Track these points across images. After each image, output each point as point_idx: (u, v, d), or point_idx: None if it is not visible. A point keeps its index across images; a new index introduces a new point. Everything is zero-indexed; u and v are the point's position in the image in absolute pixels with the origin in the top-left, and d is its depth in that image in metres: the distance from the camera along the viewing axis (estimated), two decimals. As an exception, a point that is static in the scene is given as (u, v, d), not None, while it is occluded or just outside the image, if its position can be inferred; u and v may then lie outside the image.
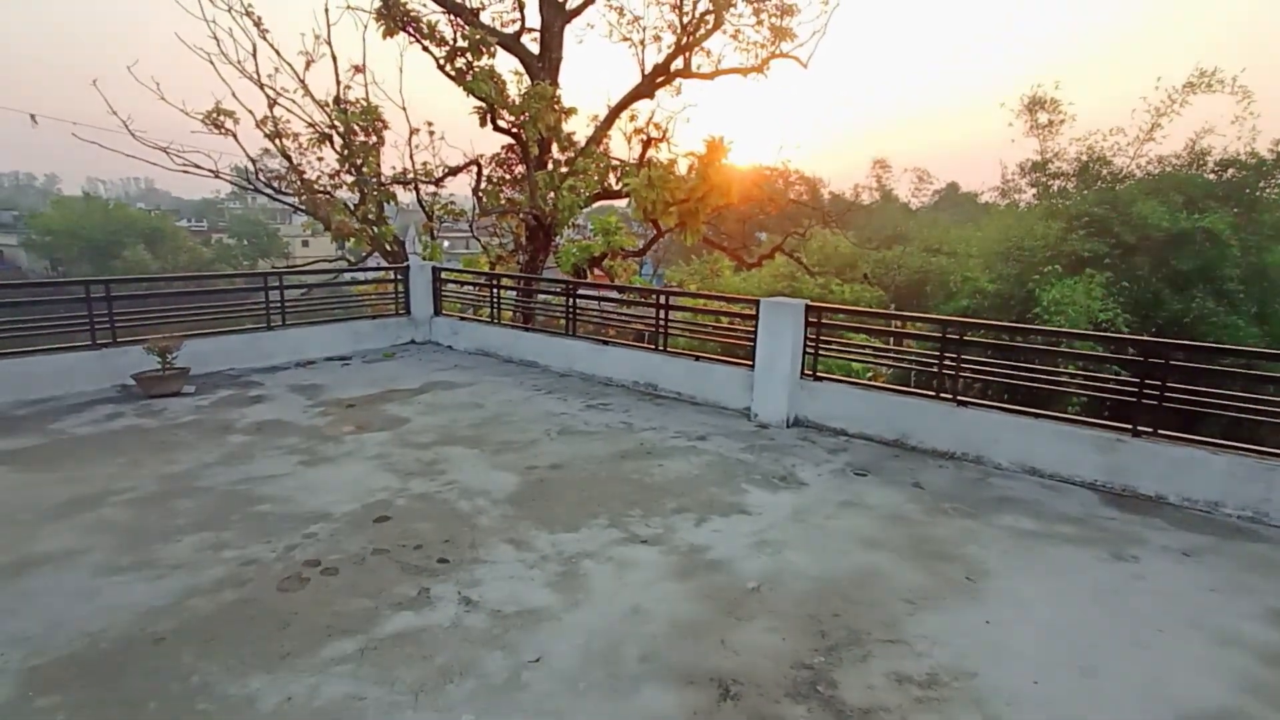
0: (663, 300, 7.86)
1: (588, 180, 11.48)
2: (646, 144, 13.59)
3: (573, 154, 13.40)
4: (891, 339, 7.04)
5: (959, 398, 6.04)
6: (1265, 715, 2.91)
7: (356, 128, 11.74)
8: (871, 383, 6.52)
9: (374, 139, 12.09)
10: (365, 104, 11.91)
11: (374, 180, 12.88)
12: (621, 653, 3.24)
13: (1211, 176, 24.56)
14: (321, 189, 13.18)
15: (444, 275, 10.39)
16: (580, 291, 9.15)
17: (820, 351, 6.81)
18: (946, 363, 6.05)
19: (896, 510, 4.97)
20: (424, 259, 13.05)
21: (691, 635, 3.40)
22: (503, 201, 13.23)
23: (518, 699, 2.92)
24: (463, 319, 10.16)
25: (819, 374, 6.86)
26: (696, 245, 14.88)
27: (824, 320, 6.75)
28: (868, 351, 7.06)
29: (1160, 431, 5.20)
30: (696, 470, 5.65)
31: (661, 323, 7.85)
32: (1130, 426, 5.30)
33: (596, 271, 12.70)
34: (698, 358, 7.71)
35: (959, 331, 5.92)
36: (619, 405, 7.45)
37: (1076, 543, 4.50)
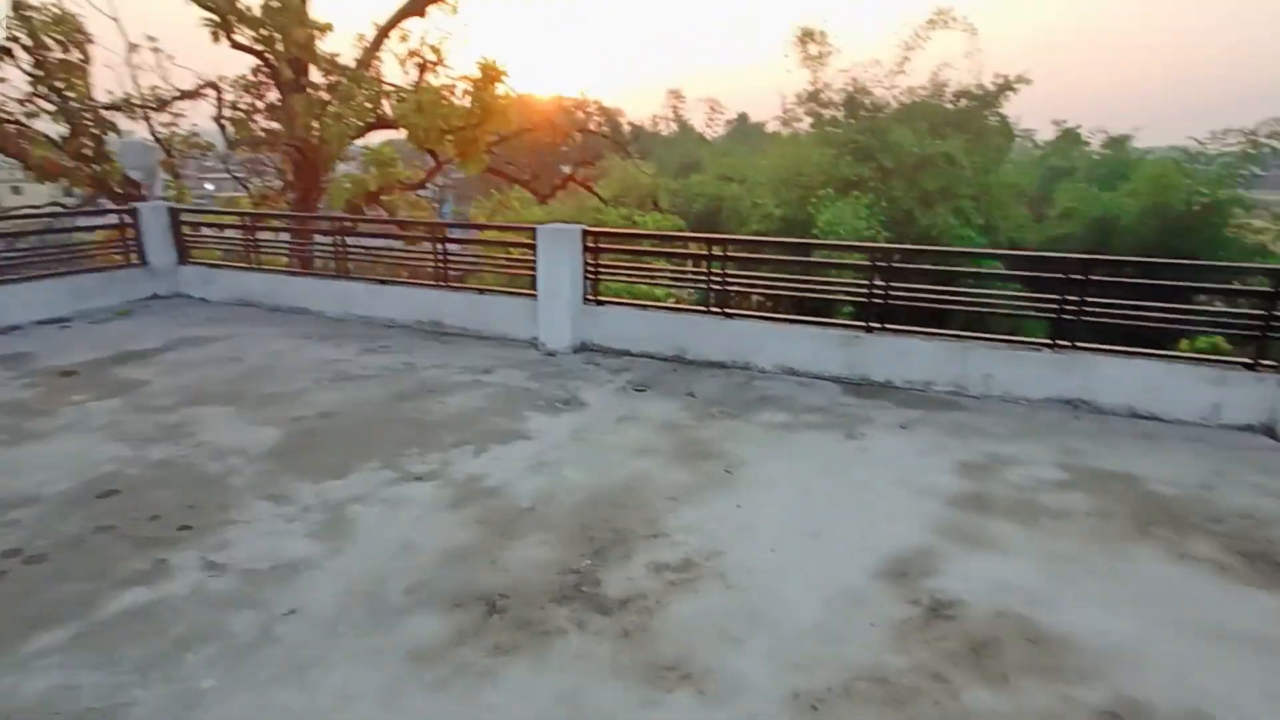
0: (440, 234, 7.52)
1: (357, 107, 10.55)
2: (422, 68, 12.71)
3: (337, 78, 12.25)
4: (690, 261, 7.28)
5: (726, 310, 6.46)
6: (946, 546, 3.51)
7: (49, 40, 9.78)
8: (649, 303, 6.78)
9: (76, 55, 10.17)
10: (58, 11, 9.93)
11: (84, 107, 10.92)
12: (386, 589, 3.18)
13: (949, 106, 27.79)
14: (9, 118, 10.95)
15: (185, 218, 9.15)
16: (356, 229, 8.51)
17: (600, 276, 6.93)
18: (714, 279, 6.41)
19: (670, 419, 5.27)
20: (172, 201, 11.46)
21: (462, 561, 3.41)
22: (257, 132, 11.83)
23: (268, 653, 2.77)
24: (215, 266, 9.09)
25: (601, 298, 6.99)
26: (499, 180, 14.48)
27: (601, 245, 6.85)
28: (645, 273, 7.29)
29: (887, 326, 5.93)
30: (479, 403, 5.59)
31: (440, 257, 7.54)
32: (864, 324, 5.99)
33: (377, 208, 11.87)
34: (481, 291, 7.54)
35: (723, 249, 6.28)
36: (400, 346, 7.13)
37: (819, 428, 5.07)
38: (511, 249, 8.35)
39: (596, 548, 3.51)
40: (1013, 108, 35.01)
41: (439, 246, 7.52)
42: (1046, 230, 29.45)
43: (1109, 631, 2.87)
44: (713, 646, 2.81)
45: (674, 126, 48.53)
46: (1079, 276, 5.26)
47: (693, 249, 7.02)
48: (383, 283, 8.05)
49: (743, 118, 50.20)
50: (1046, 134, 40.28)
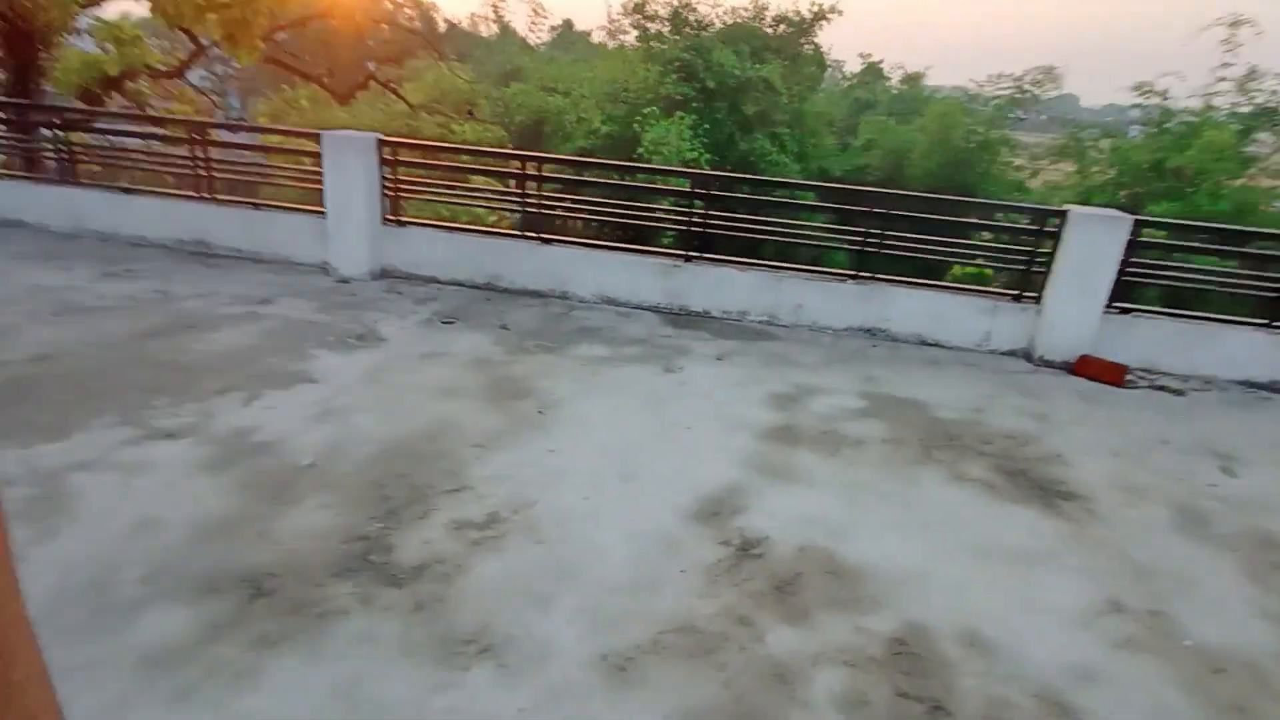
0: (202, 134, 6.30)
1: None
2: None
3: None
4: (511, 181, 6.63)
5: (543, 236, 6.05)
6: (757, 481, 3.52)
7: None
8: (458, 225, 6.20)
9: None
10: None
11: None
12: (117, 579, 2.60)
13: (769, 30, 28.29)
14: None
15: None
16: (93, 124, 6.95)
17: (402, 193, 6.20)
18: (529, 201, 5.95)
19: (480, 354, 4.87)
20: None
21: (220, 536, 2.88)
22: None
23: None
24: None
25: (403, 219, 6.28)
26: (290, 76, 12.47)
27: (401, 158, 6.09)
28: (456, 192, 6.64)
29: (704, 256, 5.86)
30: (254, 340, 4.83)
31: (203, 162, 6.36)
32: (683, 254, 5.87)
33: (120, 97, 9.83)
34: (257, 206, 6.50)
35: (538, 168, 5.81)
36: (154, 271, 6.00)
37: (638, 362, 4.92)
38: (301, 159, 7.27)
39: (390, 508, 3.13)
40: (825, 38, 36.47)
41: (199, 150, 6.32)
42: (851, 159, 31.50)
43: (898, 557, 3.01)
44: (517, 611, 2.58)
45: (495, 29, 45.40)
46: (881, 210, 5.45)
47: (509, 168, 6.47)
48: (127, 191, 6.69)
49: (567, 25, 47.94)
50: (853, 66, 42.44)
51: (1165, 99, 23.07)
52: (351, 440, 3.67)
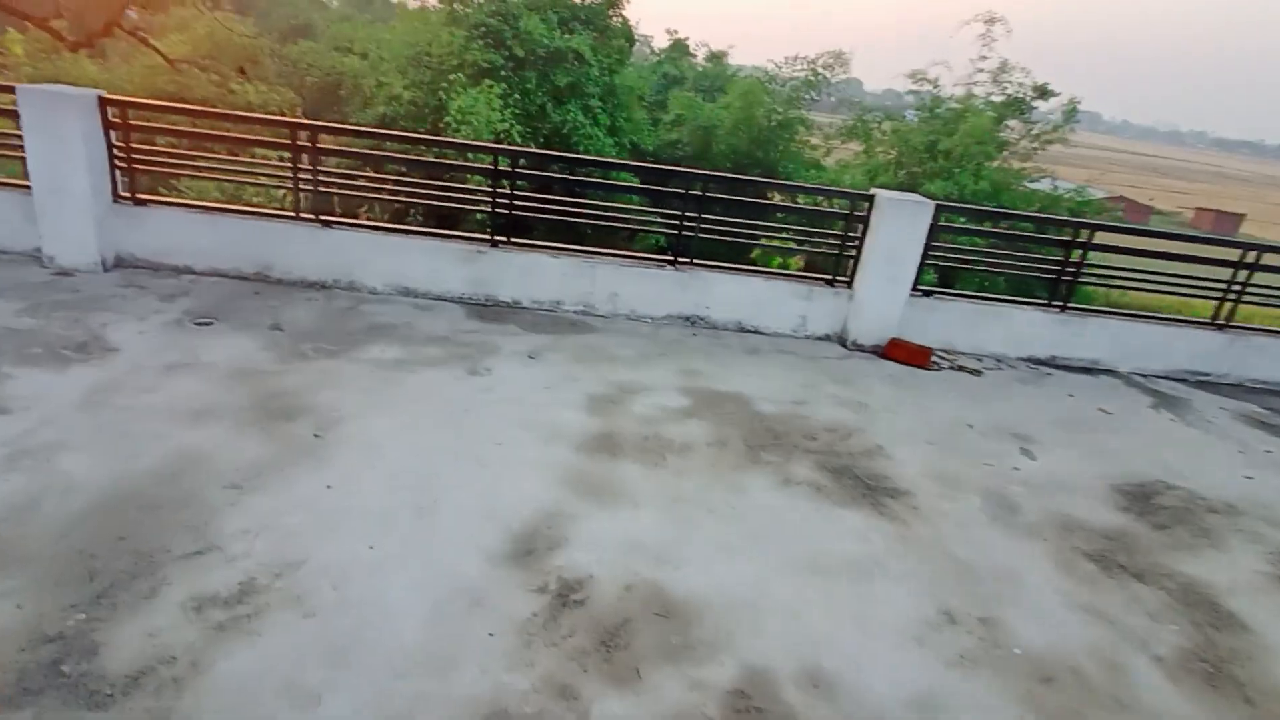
0: None
1: None
2: None
3: None
4: (288, 155, 5.52)
5: (324, 218, 5.23)
6: (575, 504, 3.17)
7: None
8: (216, 204, 5.18)
9: None
10: None
11: None
12: None
13: (577, 1, 27.75)
14: None
15: None
16: None
17: (138, 165, 5.06)
18: (303, 177, 5.09)
19: (244, 363, 4.06)
20: None
21: None
22: None
23: None
24: None
25: (143, 196, 5.15)
26: (13, 21, 9.90)
27: (134, 121, 4.94)
28: (214, 166, 5.52)
29: (513, 240, 5.37)
30: (-84, 358, 3.66)
31: None
32: (488, 238, 5.34)
33: None
34: (-71, 178, 5.03)
35: (313, 138, 4.96)
36: None
37: (439, 364, 4.37)
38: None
39: (99, 588, 2.40)
40: (632, 11, 36.61)
41: None
42: (661, 135, 32.04)
43: (731, 583, 2.80)
44: (275, 718, 2.04)
45: (281, -21, 40.59)
46: (697, 193, 5.27)
47: (281, 137, 5.39)
48: None
49: (362, -21, 44.02)
50: (661, 42, 43.15)
51: (936, 87, 25.66)
52: (51, 492, 2.83)
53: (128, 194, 5.08)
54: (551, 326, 5.19)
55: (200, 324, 4.51)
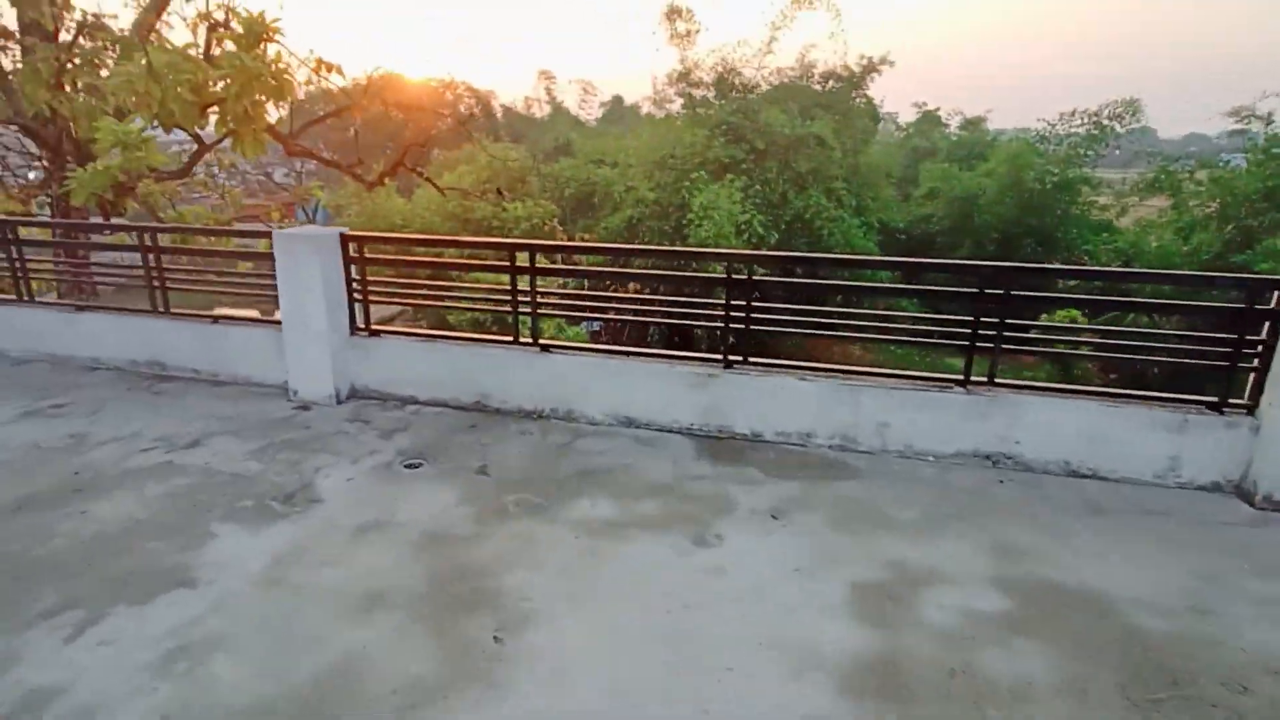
0: (150, 240, 5.32)
1: (130, 77, 7.84)
2: (212, 29, 10.11)
3: (92, 41, 9.63)
4: (521, 277, 5.26)
5: (540, 342, 4.74)
6: (846, 813, 1.97)
7: None
8: (436, 332, 4.97)
9: None
10: None
11: None
12: None
13: (817, 87, 27.35)
14: None
15: None
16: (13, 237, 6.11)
17: (371, 296, 5.02)
18: (521, 300, 4.66)
19: (439, 523, 3.51)
20: None
21: None
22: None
23: None
24: None
25: (375, 327, 5.09)
26: (338, 168, 11.98)
27: (368, 254, 4.93)
28: (430, 292, 5.37)
29: (751, 360, 4.41)
30: (145, 510, 3.60)
31: (154, 269, 5.36)
32: (721, 357, 4.44)
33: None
34: (215, 319, 5.44)
35: (531, 257, 4.53)
36: (87, 404, 4.95)
37: (656, 528, 3.46)
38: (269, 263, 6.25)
39: None
40: (876, 90, 35.41)
41: (151, 258, 5.33)
42: (913, 210, 29.86)
43: None
44: None
45: (547, 109, 46.25)
46: (997, 290, 3.91)
47: (500, 259, 5.03)
48: (79, 308, 5.76)
49: (617, 100, 48.47)
50: (907, 116, 41.21)
51: (1269, 124, 20.85)
52: (194, 712, 2.31)
53: (363, 326, 5.03)
54: (800, 468, 4.07)
55: (410, 466, 4.13)
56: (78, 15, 10.21)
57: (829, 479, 3.96)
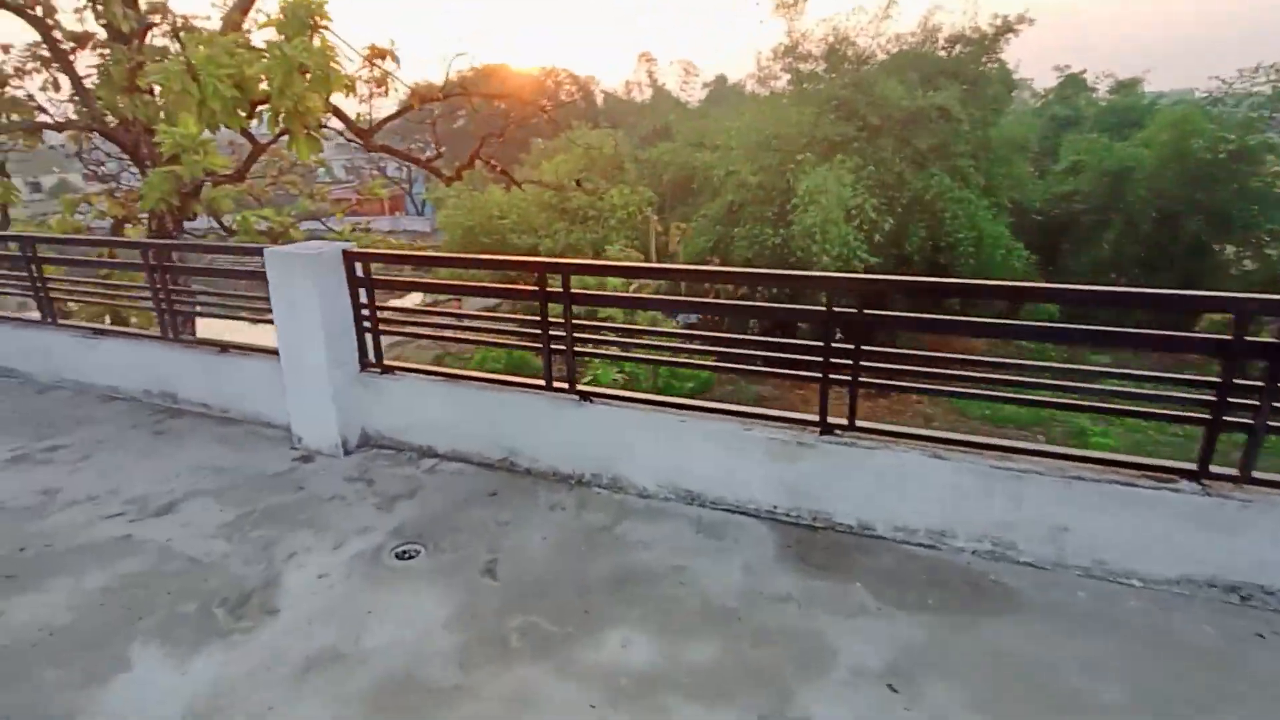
0: (154, 258, 4.68)
1: (166, 74, 7.46)
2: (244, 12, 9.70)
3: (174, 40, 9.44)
4: (552, 305, 4.28)
5: (578, 388, 3.68)
6: None
7: None
8: (455, 371, 4.02)
9: None
10: None
11: None
12: None
13: (942, 53, 24.74)
14: None
15: None
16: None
17: (383, 325, 4.13)
18: (554, 332, 3.62)
19: (415, 658, 2.55)
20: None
21: None
22: (37, 116, 8.95)
23: None
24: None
25: (391, 364, 4.21)
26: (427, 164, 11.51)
27: (375, 277, 4.02)
28: (452, 322, 4.40)
29: (860, 426, 3.17)
30: (69, 615, 2.86)
31: (161, 291, 4.73)
32: (817, 420, 3.22)
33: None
34: (223, 348, 4.75)
35: (564, 279, 3.47)
36: (83, 445, 4.38)
37: (711, 695, 2.33)
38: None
39: None
40: (1011, 53, 31.95)
41: (159, 277, 4.70)
42: (1051, 187, 26.63)
43: None
44: None
45: (648, 93, 45.18)
46: (1257, 340, 2.48)
47: (527, 281, 3.89)
48: (97, 332, 5.25)
49: (720, 80, 46.71)
50: (1045, 81, 37.19)
51: None
52: None
53: (374, 361, 4.16)
54: (931, 588, 2.82)
55: (402, 556, 3.20)
56: (168, 17, 10.01)
57: (975, 612, 2.69)
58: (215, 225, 9.95)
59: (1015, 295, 2.93)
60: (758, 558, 3.07)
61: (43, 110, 9.20)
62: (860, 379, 3.10)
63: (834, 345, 3.09)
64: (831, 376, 3.15)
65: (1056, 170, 27.55)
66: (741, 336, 3.58)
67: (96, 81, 9.29)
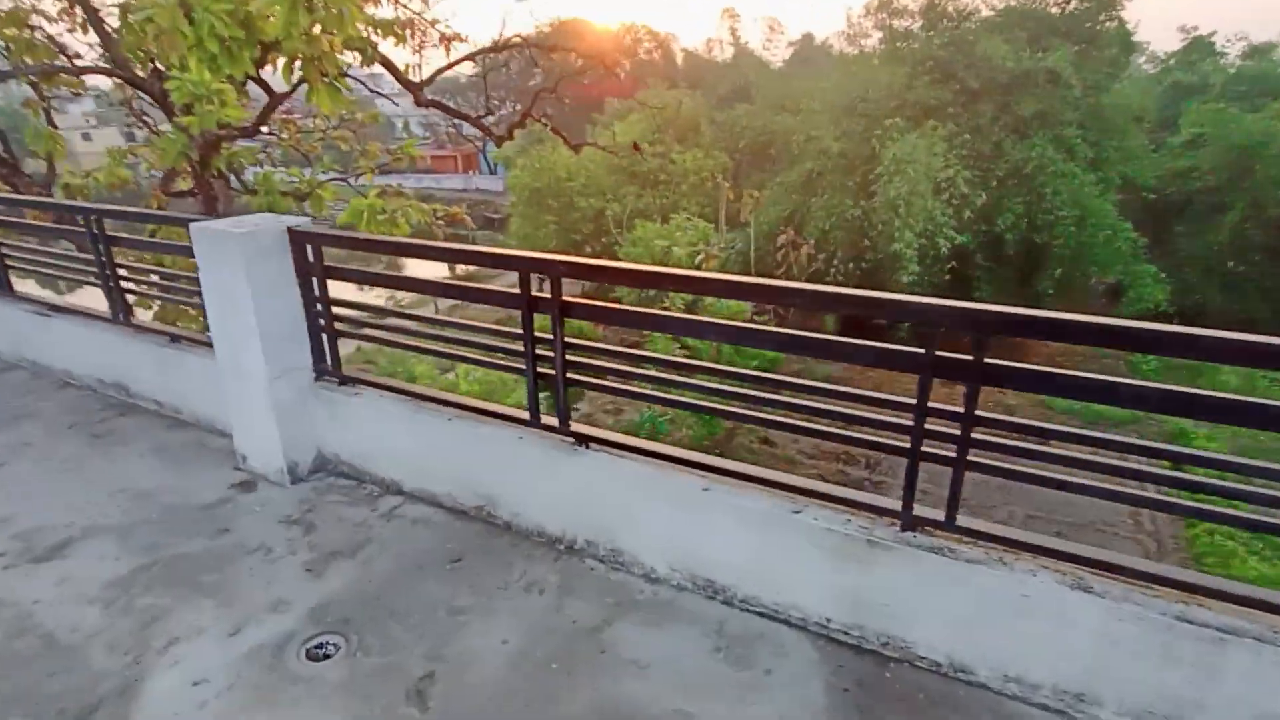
0: (95, 225, 3.93)
1: (152, 10, 6.77)
2: None
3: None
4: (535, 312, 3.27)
5: (573, 428, 2.73)
6: None
7: None
8: (419, 389, 3.12)
9: None
10: None
11: None
12: None
13: (1055, 10, 22.25)
14: None
15: None
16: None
17: (340, 327, 3.27)
18: (539, 352, 2.68)
19: None
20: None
21: None
22: (59, 58, 8.44)
23: None
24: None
25: (352, 375, 3.36)
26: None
27: (328, 264, 3.14)
28: (419, 327, 3.42)
29: (958, 524, 2.11)
30: None
31: (104, 265, 4.00)
32: (898, 508, 2.19)
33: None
34: (173, 338, 4.01)
35: (553, 283, 2.50)
36: (9, 444, 3.74)
37: None
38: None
39: None
40: (1131, 11, 28.77)
41: (101, 249, 3.96)
42: (1165, 162, 23.83)
43: None
44: None
45: (730, 51, 43.05)
46: None
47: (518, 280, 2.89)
48: (52, 309, 4.60)
49: (806, 39, 44.14)
50: (1166, 44, 33.49)
51: None
52: None
53: (331, 368, 3.32)
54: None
55: (314, 655, 2.37)
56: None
57: None
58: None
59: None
60: (799, 706, 2.10)
61: (66, 54, 8.66)
62: (970, 455, 2.05)
63: (930, 406, 2.04)
64: (926, 449, 2.10)
65: (1174, 143, 24.64)
66: (795, 381, 2.52)
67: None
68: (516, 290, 2.62)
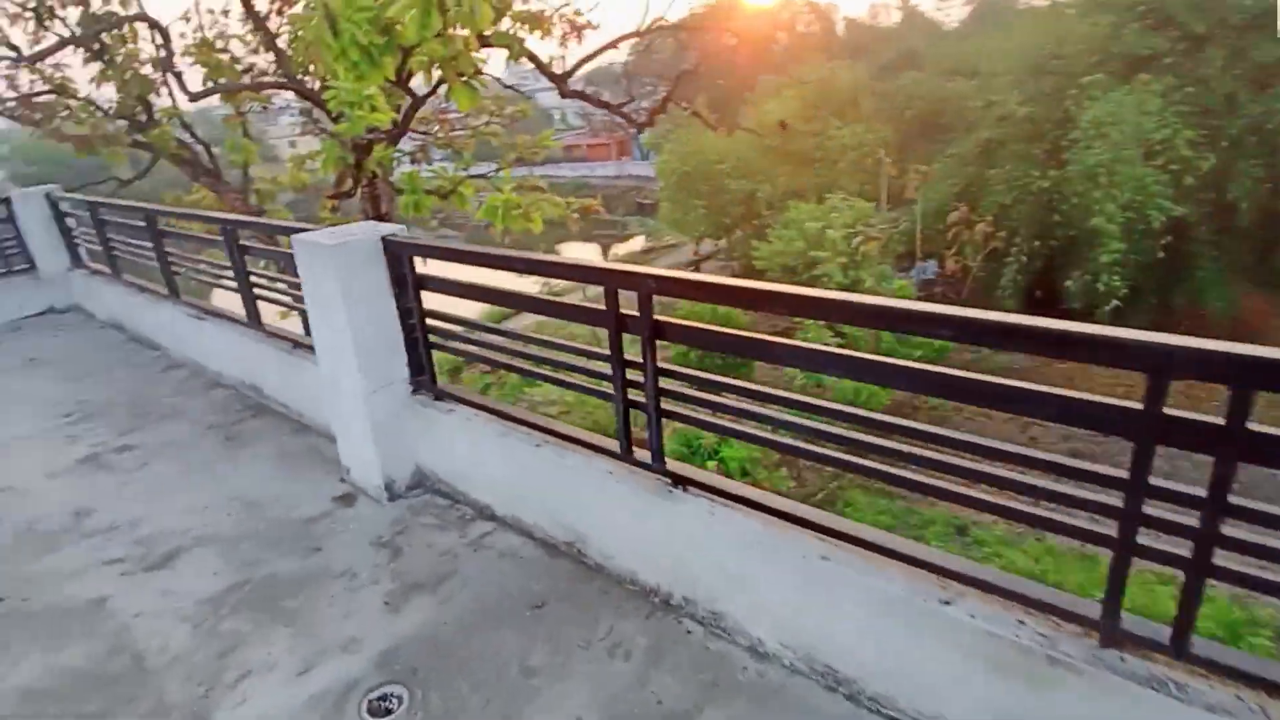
0: (233, 234, 4.04)
1: (304, 23, 7.18)
2: None
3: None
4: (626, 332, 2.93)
5: (669, 469, 2.30)
6: None
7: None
8: (509, 409, 2.81)
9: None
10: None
11: (128, 64, 8.94)
12: None
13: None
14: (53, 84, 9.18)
15: (66, 208, 6.61)
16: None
17: (433, 338, 3.06)
18: (629, 385, 2.28)
19: None
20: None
21: None
22: (243, 76, 9.21)
23: None
24: (95, 272, 6.55)
25: (446, 390, 3.15)
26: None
27: (430, 278, 2.92)
28: (508, 344, 3.04)
29: (1192, 647, 1.44)
30: (-44, 736, 2.20)
31: (239, 270, 4.11)
32: (1095, 616, 1.55)
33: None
34: (295, 344, 4.04)
35: (640, 289, 2.08)
36: (152, 446, 3.95)
37: None
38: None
39: None
40: None
41: (238, 255, 4.08)
42: None
43: None
44: None
45: (897, 16, 40.05)
46: None
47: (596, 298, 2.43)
48: (205, 312, 4.86)
49: (989, -5, 39.96)
50: None
51: None
52: None
53: (428, 383, 3.12)
54: None
55: (375, 708, 2.15)
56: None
57: None
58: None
59: None
60: None
61: (249, 74, 9.42)
62: (1214, 559, 1.38)
63: (1152, 484, 1.39)
64: (1140, 541, 1.46)
65: None
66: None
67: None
68: (602, 306, 2.22)
